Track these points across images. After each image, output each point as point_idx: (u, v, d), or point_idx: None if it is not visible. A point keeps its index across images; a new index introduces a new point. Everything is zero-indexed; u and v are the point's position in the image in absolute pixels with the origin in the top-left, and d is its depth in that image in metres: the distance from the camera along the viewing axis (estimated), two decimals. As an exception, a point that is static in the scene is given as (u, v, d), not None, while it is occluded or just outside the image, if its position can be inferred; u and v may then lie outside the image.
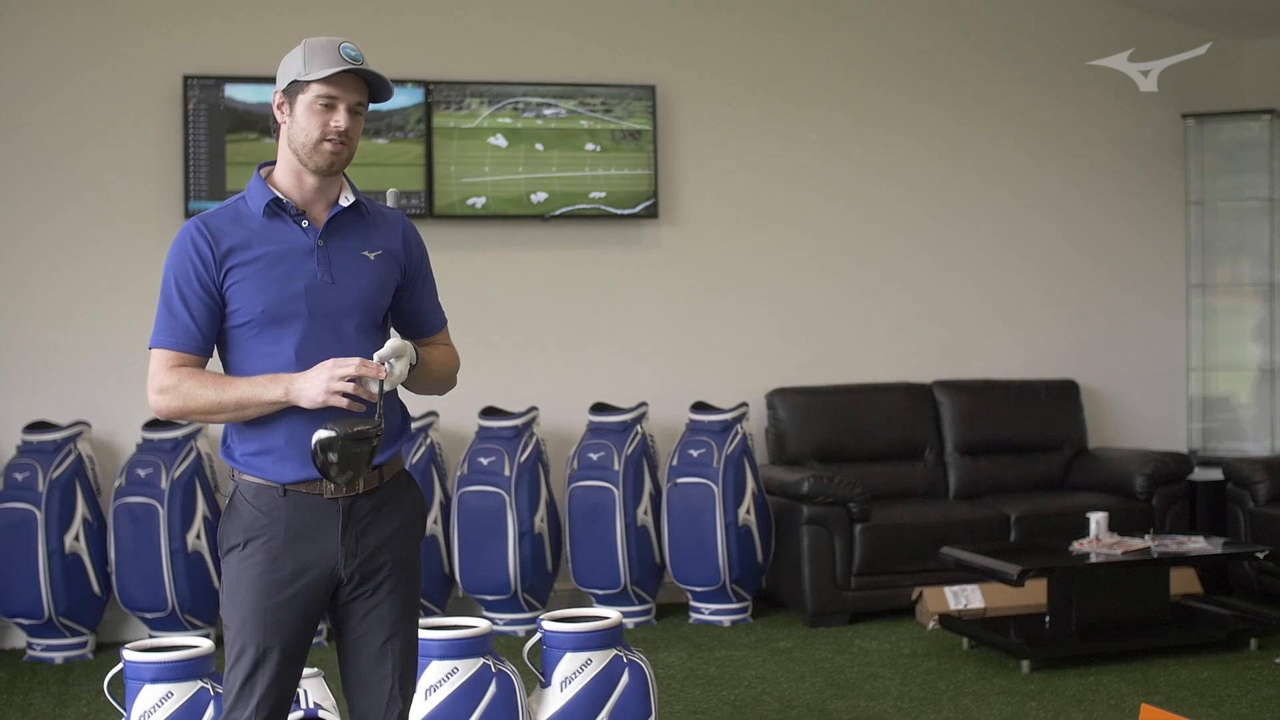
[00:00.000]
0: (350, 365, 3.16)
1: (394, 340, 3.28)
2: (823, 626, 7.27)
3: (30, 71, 7.26)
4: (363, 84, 3.31)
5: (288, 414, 3.25)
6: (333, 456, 3.15)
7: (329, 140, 3.27)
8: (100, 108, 7.32)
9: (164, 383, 3.24)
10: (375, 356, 3.22)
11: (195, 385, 3.23)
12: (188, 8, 7.43)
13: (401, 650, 3.38)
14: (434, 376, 3.46)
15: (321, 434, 3.14)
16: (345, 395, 3.16)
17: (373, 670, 3.35)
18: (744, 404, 7.57)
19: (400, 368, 3.25)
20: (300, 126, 3.28)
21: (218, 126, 7.27)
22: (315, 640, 4.14)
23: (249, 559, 3.27)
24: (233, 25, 7.43)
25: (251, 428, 3.29)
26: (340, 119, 3.27)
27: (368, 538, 3.32)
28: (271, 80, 7.02)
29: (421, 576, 3.53)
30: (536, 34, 7.92)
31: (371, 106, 3.41)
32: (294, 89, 3.28)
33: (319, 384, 3.16)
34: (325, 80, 3.25)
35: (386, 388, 3.23)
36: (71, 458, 6.89)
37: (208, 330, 3.28)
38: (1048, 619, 6.68)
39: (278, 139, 3.36)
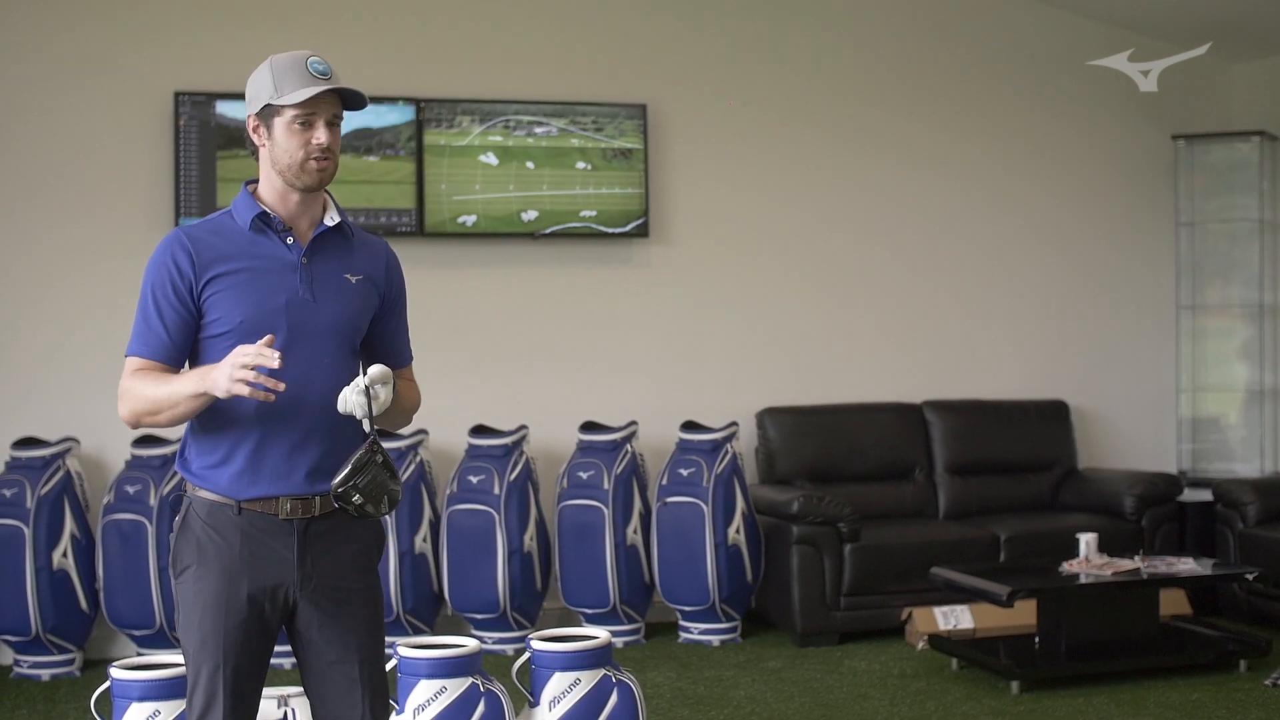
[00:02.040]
0: (249, 351, 3.08)
1: (380, 366, 3.26)
2: (812, 646, 7.26)
3: (21, 88, 7.26)
4: (335, 97, 3.29)
5: (253, 431, 3.23)
6: (357, 499, 3.20)
7: (314, 159, 3.25)
8: (91, 124, 7.32)
9: (120, 387, 3.25)
10: (365, 379, 3.19)
11: (138, 384, 3.21)
12: (179, 24, 7.44)
13: (370, 676, 3.34)
14: (398, 410, 3.44)
15: (335, 488, 3.18)
16: (248, 384, 3.07)
17: (343, 699, 3.32)
18: (734, 423, 7.57)
19: (385, 394, 3.22)
20: (282, 149, 3.26)
21: (208, 143, 7.27)
22: (291, 661, 4.11)
23: (203, 580, 3.24)
24: (224, 42, 7.43)
25: (212, 441, 3.27)
26: (320, 135, 3.26)
27: (323, 560, 3.29)
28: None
29: (384, 600, 3.50)
30: (528, 52, 7.92)
31: (353, 115, 3.39)
32: (268, 112, 3.27)
33: (224, 370, 3.09)
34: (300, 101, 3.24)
35: (376, 412, 3.22)
36: (60, 474, 6.87)
37: (179, 341, 3.26)
38: (1037, 640, 6.67)
39: (256, 159, 3.35)
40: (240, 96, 7.42)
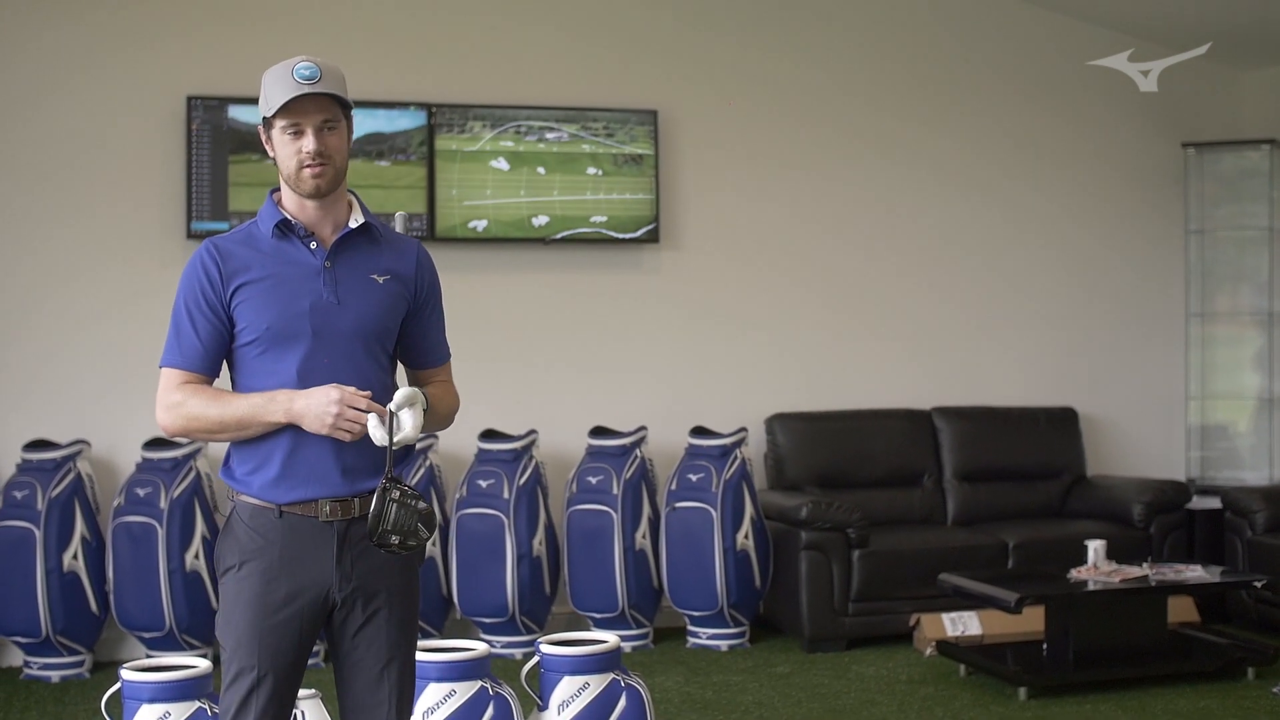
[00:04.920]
0: (360, 402, 3.19)
1: (406, 390, 3.27)
2: (820, 652, 7.26)
3: (33, 91, 7.28)
4: (326, 100, 3.29)
5: (287, 435, 3.27)
6: (395, 540, 3.24)
7: (306, 166, 3.28)
8: (103, 127, 7.34)
9: (169, 401, 3.28)
10: (391, 404, 3.23)
11: (199, 404, 3.26)
12: (192, 28, 7.46)
13: (398, 676, 3.37)
14: (436, 415, 3.44)
15: (370, 539, 3.23)
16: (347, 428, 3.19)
17: (369, 695, 3.35)
18: (743, 429, 7.58)
19: (410, 422, 3.24)
20: (280, 159, 3.31)
21: (221, 147, 7.29)
22: (312, 661, 4.13)
23: (244, 580, 3.29)
24: (237, 46, 7.45)
25: (251, 448, 3.31)
26: (308, 142, 3.27)
27: (362, 562, 3.32)
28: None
29: (420, 601, 3.53)
30: (539, 58, 7.94)
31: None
32: (267, 124, 3.32)
33: (319, 410, 3.18)
34: (283, 109, 3.26)
35: (396, 441, 3.24)
36: (71, 476, 6.89)
37: (213, 350, 3.30)
38: (1045, 646, 6.67)
39: None
40: (252, 101, 7.45)
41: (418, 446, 7.07)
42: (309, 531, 3.29)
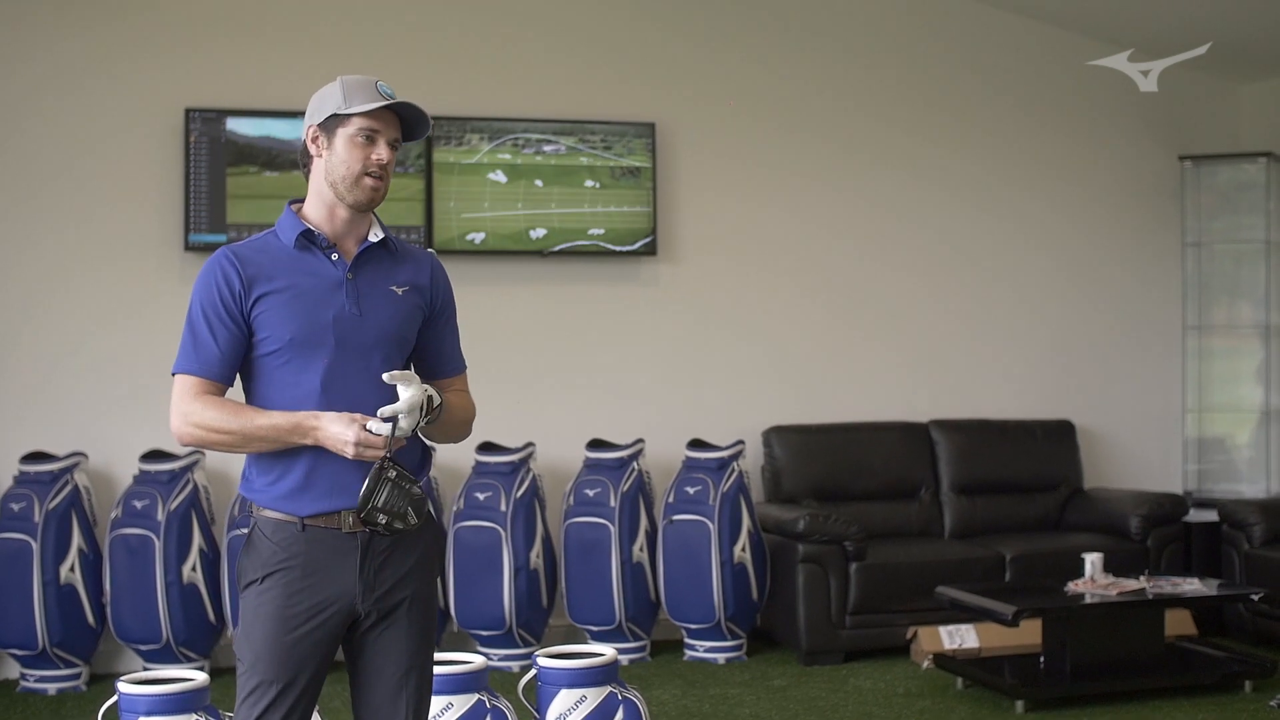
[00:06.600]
0: (369, 441, 3.20)
1: (407, 392, 3.26)
2: (817, 665, 7.26)
3: (31, 102, 7.29)
4: (397, 121, 3.36)
5: (308, 449, 3.26)
6: (382, 519, 3.24)
7: (370, 175, 3.30)
8: (101, 139, 7.35)
9: (186, 409, 3.26)
10: (381, 412, 3.22)
11: (219, 416, 3.24)
12: (190, 40, 7.47)
13: (417, 685, 3.38)
14: (451, 423, 3.46)
15: (357, 514, 3.23)
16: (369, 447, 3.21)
17: (388, 704, 3.36)
18: (740, 442, 7.58)
19: (405, 420, 3.23)
20: (340, 160, 3.31)
21: (218, 159, 7.29)
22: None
23: (266, 593, 3.28)
24: (235, 58, 7.47)
25: (270, 461, 3.30)
26: (382, 152, 3.31)
27: (385, 572, 3.32)
28: (273, 114, 7.02)
29: (438, 611, 3.53)
30: (537, 70, 7.95)
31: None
32: (332, 123, 3.31)
33: (338, 446, 3.21)
34: (367, 114, 3.28)
35: (398, 429, 3.23)
36: (68, 488, 6.89)
37: (231, 359, 3.29)
38: (1042, 659, 6.67)
39: (307, 174, 3.39)
40: (250, 113, 7.47)
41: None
42: (332, 544, 3.29)
